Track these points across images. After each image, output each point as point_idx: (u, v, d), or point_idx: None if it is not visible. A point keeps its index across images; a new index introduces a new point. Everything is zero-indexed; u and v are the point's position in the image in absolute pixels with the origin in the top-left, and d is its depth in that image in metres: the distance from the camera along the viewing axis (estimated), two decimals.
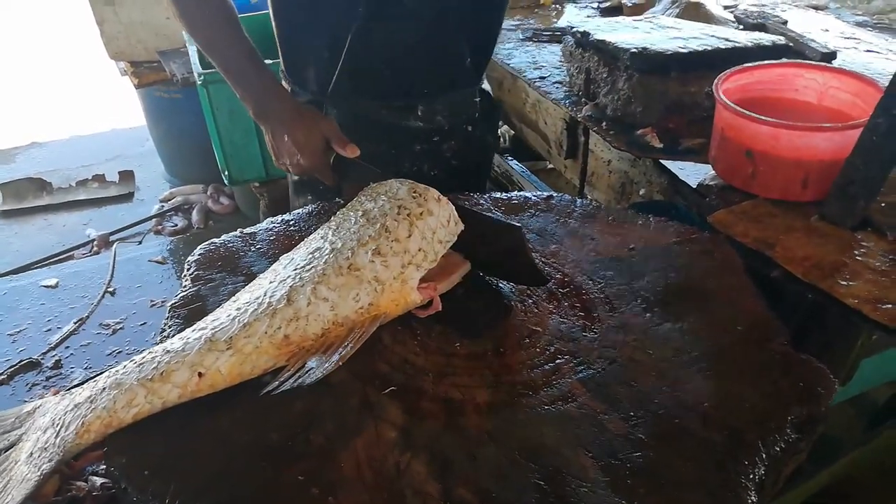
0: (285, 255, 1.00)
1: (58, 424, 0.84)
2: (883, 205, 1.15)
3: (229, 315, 0.89)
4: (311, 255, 0.95)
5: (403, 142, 1.34)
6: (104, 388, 0.84)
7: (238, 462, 0.78)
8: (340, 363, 0.86)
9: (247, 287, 0.97)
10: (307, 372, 0.84)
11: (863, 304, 0.98)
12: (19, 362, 2.14)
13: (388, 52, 1.25)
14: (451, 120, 1.34)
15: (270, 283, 0.93)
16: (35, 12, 6.17)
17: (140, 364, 0.86)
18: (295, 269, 0.93)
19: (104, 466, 1.52)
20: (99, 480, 1.45)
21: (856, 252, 1.07)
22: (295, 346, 0.87)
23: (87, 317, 2.41)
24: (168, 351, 0.86)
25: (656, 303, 1.00)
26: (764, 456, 0.79)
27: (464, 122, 1.37)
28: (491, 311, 0.99)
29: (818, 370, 0.90)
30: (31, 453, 0.83)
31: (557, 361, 0.91)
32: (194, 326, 0.90)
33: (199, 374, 0.84)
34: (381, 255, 0.92)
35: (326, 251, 0.94)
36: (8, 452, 0.86)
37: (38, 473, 0.80)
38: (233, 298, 0.95)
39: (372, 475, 0.76)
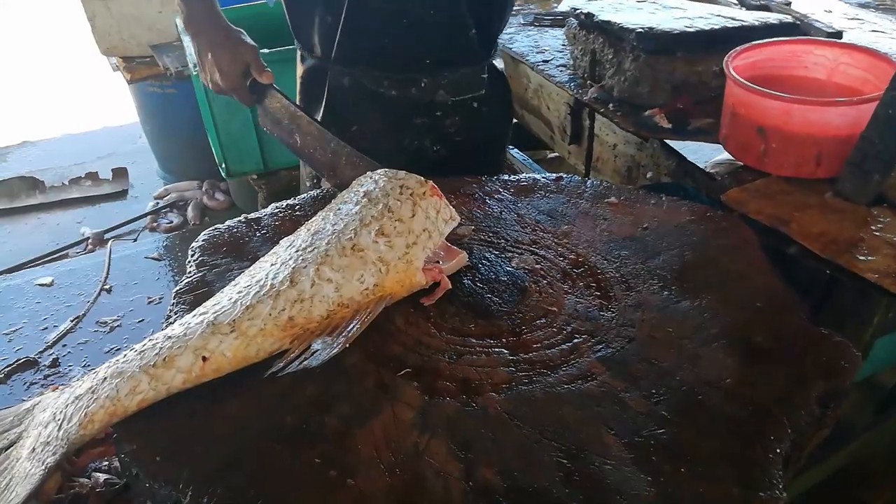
0: (286, 238, 0.98)
1: (59, 418, 0.82)
2: None
3: (231, 298, 0.87)
4: (312, 237, 0.93)
5: (404, 114, 1.32)
6: (105, 378, 0.82)
7: (252, 446, 0.76)
8: (346, 344, 0.84)
9: (247, 271, 0.94)
10: (313, 354, 0.83)
11: (883, 279, 0.96)
12: (16, 361, 2.10)
13: (385, 20, 1.24)
14: (455, 95, 1.32)
15: (272, 265, 0.91)
16: (24, 9, 6.10)
17: (141, 351, 0.83)
18: (297, 251, 0.91)
19: (107, 463, 1.50)
20: (102, 476, 1.42)
21: (872, 227, 1.05)
22: (300, 328, 0.85)
23: (84, 315, 2.38)
24: (169, 337, 0.84)
25: (673, 281, 0.98)
26: (789, 431, 0.78)
27: (469, 98, 1.34)
28: (505, 292, 0.97)
29: (841, 344, 0.88)
30: (34, 449, 0.81)
31: (575, 340, 0.89)
32: (194, 312, 0.88)
33: (204, 359, 0.81)
34: (385, 236, 0.91)
35: (328, 232, 0.92)
36: (8, 451, 0.84)
37: (43, 468, 0.78)
38: (233, 282, 0.93)
39: (391, 456, 0.74)
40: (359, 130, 1.32)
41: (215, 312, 0.86)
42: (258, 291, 0.87)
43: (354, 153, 1.14)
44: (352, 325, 0.86)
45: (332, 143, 1.16)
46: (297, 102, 1.38)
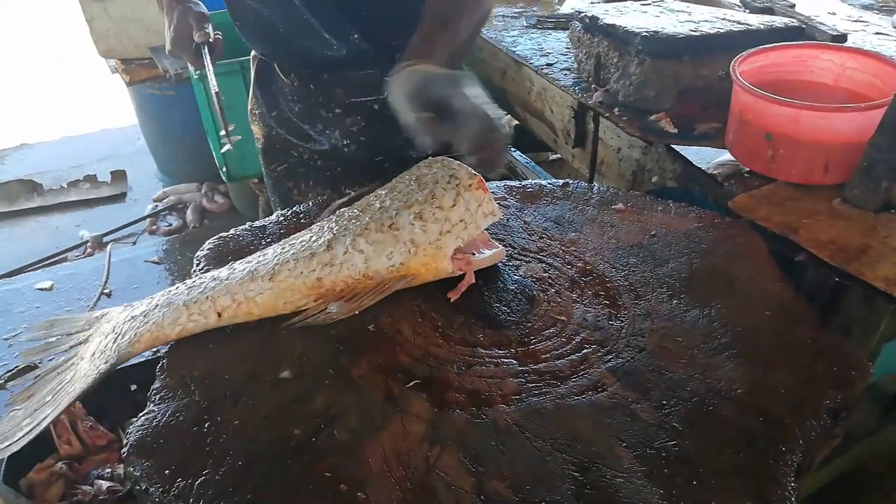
0: (340, 209, 1.05)
1: (117, 332, 0.93)
2: None
3: (274, 252, 0.97)
4: (361, 211, 1.00)
5: (312, 104, 1.40)
6: (157, 305, 0.93)
7: (262, 459, 0.75)
8: (356, 311, 0.92)
9: (301, 231, 1.03)
10: (326, 313, 0.91)
11: (892, 287, 0.96)
12: (16, 367, 2.09)
13: (260, 20, 1.33)
14: (354, 96, 1.37)
15: (321, 228, 0.99)
16: (23, 10, 6.08)
17: (190, 286, 0.94)
18: (346, 220, 0.99)
19: (109, 470, 1.49)
20: (105, 484, 1.41)
21: (882, 234, 1.05)
22: (325, 290, 0.93)
23: None
24: (215, 278, 0.94)
25: (682, 289, 0.98)
26: (801, 441, 0.77)
27: (370, 101, 1.37)
28: (513, 301, 0.96)
29: (850, 353, 0.88)
30: (94, 353, 0.93)
31: (584, 351, 0.88)
32: (242, 259, 0.98)
33: (238, 302, 0.91)
34: (422, 220, 0.95)
35: (375, 208, 0.99)
36: (77, 347, 0.98)
37: (96, 373, 0.89)
38: (283, 241, 1.01)
39: (401, 470, 0.73)
40: (286, 108, 1.43)
41: (258, 262, 0.95)
42: (299, 250, 0.95)
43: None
44: (367, 296, 0.92)
45: None
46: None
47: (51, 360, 0.98)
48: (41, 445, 1.46)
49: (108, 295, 2.52)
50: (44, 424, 0.85)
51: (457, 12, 1.16)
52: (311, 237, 0.98)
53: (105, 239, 3.07)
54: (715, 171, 1.31)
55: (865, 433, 1.60)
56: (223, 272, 0.95)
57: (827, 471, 1.53)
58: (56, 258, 2.96)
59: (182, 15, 1.29)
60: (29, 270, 2.80)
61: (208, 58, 1.29)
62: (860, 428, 1.60)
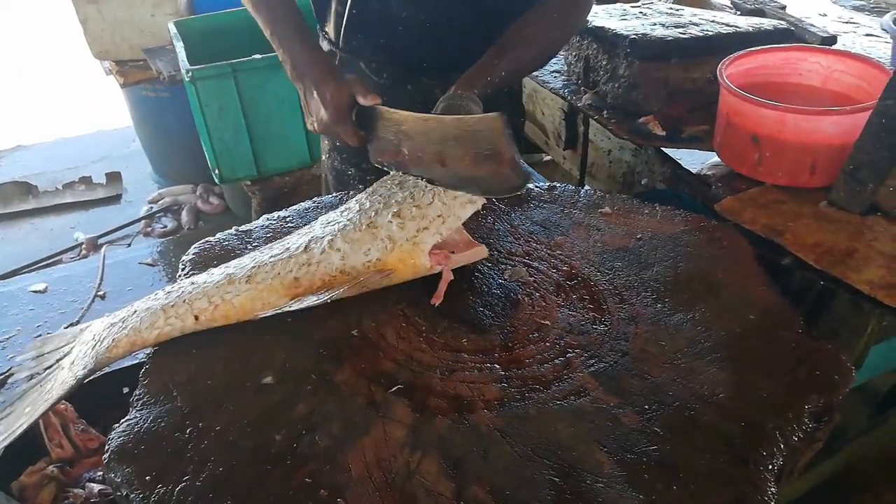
0: (324, 215, 1.06)
1: (96, 339, 0.94)
2: (892, 189, 1.14)
3: (252, 257, 0.98)
4: (340, 214, 1.01)
5: (400, 105, 1.32)
6: (136, 311, 0.94)
7: (243, 465, 0.75)
8: (329, 300, 0.92)
9: (281, 238, 1.03)
10: (300, 300, 0.92)
11: (876, 290, 0.96)
12: (10, 370, 2.09)
13: (384, 21, 1.27)
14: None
15: (299, 234, 1.00)
16: (17, 12, 6.07)
17: (168, 291, 0.95)
18: (322, 225, 1.00)
19: (101, 473, 1.49)
20: (97, 487, 1.41)
21: (867, 237, 1.05)
22: (303, 290, 0.93)
23: (78, 322, 2.36)
24: (193, 283, 0.95)
25: (666, 293, 0.98)
26: (782, 446, 0.77)
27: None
28: (497, 305, 0.97)
29: (834, 357, 0.88)
30: (73, 362, 0.95)
31: (568, 355, 0.88)
32: (221, 265, 0.99)
33: (215, 305, 0.92)
34: (400, 218, 0.96)
35: (354, 210, 1.00)
36: (61, 360, 0.99)
37: (74, 379, 0.90)
38: (263, 247, 1.02)
39: (381, 476, 0.73)
40: None
41: (235, 266, 0.96)
42: (276, 252, 0.97)
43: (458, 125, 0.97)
44: (342, 288, 0.93)
45: (436, 133, 0.98)
46: None
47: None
48: (33, 449, 1.46)
49: (102, 297, 2.52)
50: (18, 432, 0.86)
51: (540, 33, 1.13)
52: (289, 241, 0.99)
53: (100, 241, 3.06)
54: (708, 173, 1.31)
55: (856, 434, 1.60)
56: (201, 276, 0.96)
57: (818, 471, 1.53)
58: (51, 260, 2.96)
59: (337, 81, 1.06)
60: (23, 272, 2.80)
61: (393, 111, 1.02)
62: (851, 428, 1.60)
